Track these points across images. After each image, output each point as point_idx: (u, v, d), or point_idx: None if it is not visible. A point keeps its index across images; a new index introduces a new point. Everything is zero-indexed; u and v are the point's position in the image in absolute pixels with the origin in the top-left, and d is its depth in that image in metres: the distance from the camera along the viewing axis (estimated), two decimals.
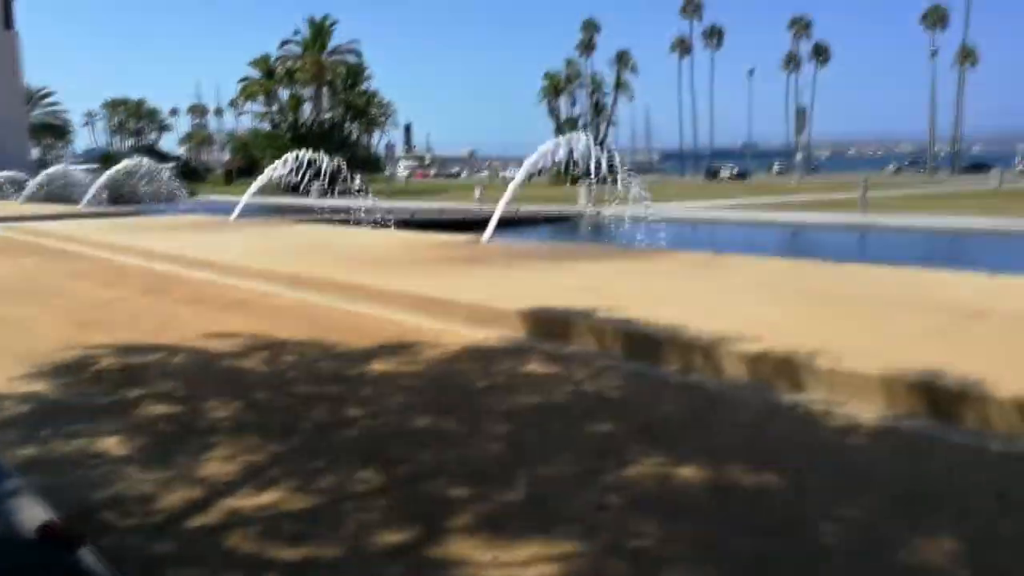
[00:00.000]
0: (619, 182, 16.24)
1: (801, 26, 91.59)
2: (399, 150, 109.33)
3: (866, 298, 7.43)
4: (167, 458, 4.07)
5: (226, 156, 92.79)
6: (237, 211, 20.87)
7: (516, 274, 9.77)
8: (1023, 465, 3.80)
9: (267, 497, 3.56)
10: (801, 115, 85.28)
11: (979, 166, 77.50)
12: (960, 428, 4.23)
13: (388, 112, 77.44)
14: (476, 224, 15.60)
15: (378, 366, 5.81)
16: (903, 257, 15.46)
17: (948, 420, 4.31)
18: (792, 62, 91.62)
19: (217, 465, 3.95)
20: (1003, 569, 2.89)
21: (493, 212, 14.81)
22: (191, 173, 70.47)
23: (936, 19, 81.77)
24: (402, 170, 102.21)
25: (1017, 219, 21.44)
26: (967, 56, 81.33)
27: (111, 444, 4.30)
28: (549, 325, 6.65)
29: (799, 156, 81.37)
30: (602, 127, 71.72)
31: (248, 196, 21.70)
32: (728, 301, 7.51)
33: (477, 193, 40.81)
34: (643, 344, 5.93)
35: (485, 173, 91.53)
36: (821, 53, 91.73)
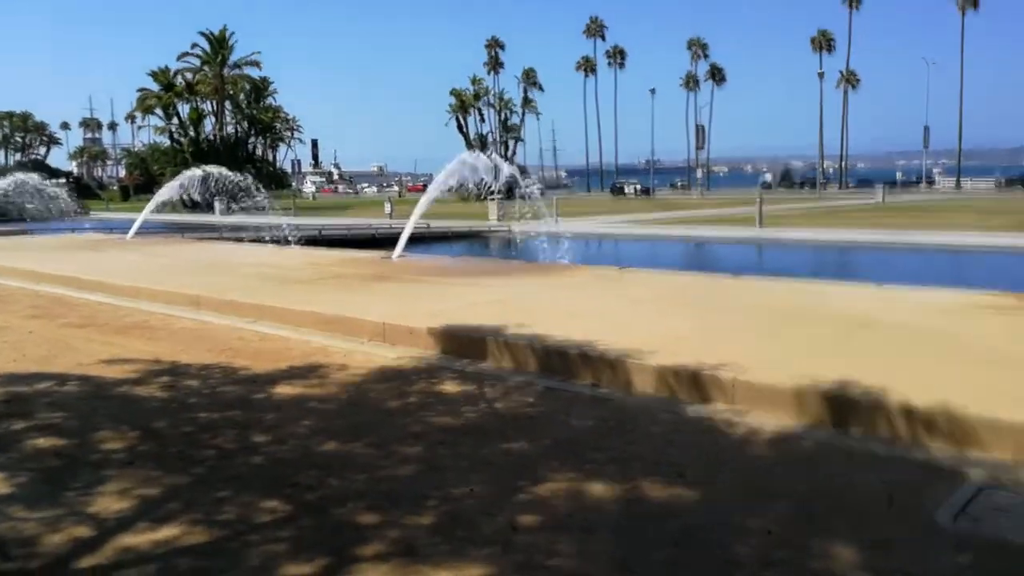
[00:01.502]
0: (527, 198, 16.42)
1: (699, 47, 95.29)
2: (306, 166, 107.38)
3: (764, 310, 7.72)
4: (54, 495, 3.81)
5: (122, 172, 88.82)
6: (134, 229, 19.98)
7: (427, 291, 9.69)
8: (907, 467, 4.00)
9: (164, 532, 3.38)
10: (700, 132, 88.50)
11: (864, 182, 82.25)
12: (852, 434, 4.43)
13: (294, 127, 75.94)
14: (386, 241, 15.45)
15: (285, 389, 5.64)
16: (797, 269, 16.20)
17: (842, 427, 4.51)
18: (691, 82, 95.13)
19: (109, 500, 3.73)
20: (904, 571, 3.03)
21: (403, 228, 14.69)
22: (84, 189, 67.07)
23: (823, 43, 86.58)
24: (309, 186, 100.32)
25: (898, 232, 22.81)
26: (849, 79, 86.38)
27: None
28: (461, 343, 6.61)
29: (699, 173, 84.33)
30: (510, 144, 72.38)
31: (146, 213, 20.82)
32: (635, 314, 7.67)
33: (387, 209, 40.44)
34: (555, 360, 5.97)
35: (395, 189, 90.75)
36: (717, 74, 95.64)
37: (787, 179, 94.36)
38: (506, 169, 16.14)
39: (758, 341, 6.27)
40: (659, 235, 26.03)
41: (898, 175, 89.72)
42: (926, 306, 7.66)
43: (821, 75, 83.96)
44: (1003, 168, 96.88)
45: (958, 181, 79.92)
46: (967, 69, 78.23)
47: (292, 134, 79.19)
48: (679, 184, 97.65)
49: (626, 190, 79.03)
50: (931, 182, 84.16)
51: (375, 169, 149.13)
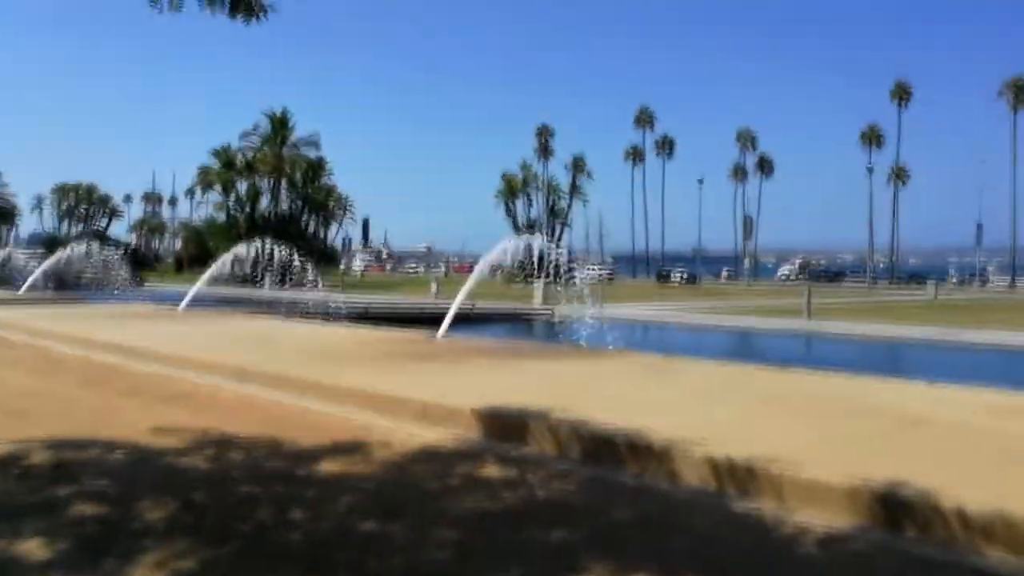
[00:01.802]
0: (576, 282, 16.50)
1: (747, 139, 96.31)
2: (356, 244, 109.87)
3: (813, 403, 7.54)
4: (92, 563, 3.83)
5: (178, 245, 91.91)
6: (186, 301, 20.52)
7: (470, 372, 9.71)
8: (962, 573, 3.80)
9: None
10: (748, 223, 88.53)
11: (916, 277, 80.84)
12: (906, 537, 4.24)
13: (346, 206, 78.06)
14: (431, 320, 15.59)
15: (326, 466, 5.64)
16: (846, 363, 15.85)
17: (895, 529, 4.32)
18: (739, 172, 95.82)
19: (145, 571, 3.73)
20: None
21: (448, 308, 14.85)
22: (140, 261, 69.47)
23: (872, 138, 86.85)
24: (358, 263, 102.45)
25: (951, 328, 22.25)
26: (900, 174, 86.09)
27: (31, 547, 4.04)
28: (503, 425, 6.57)
29: (746, 262, 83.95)
30: (557, 229, 73.22)
31: (199, 286, 21.41)
32: (682, 403, 7.56)
33: (433, 288, 40.98)
34: (598, 447, 5.89)
35: (442, 269, 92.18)
36: (766, 165, 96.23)
37: (804, 272, 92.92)
38: (552, 253, 16.33)
39: (807, 435, 6.11)
40: (705, 324, 25.81)
41: (951, 271, 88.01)
42: (978, 406, 7.41)
43: (871, 170, 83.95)
44: None
45: (1013, 279, 78.03)
46: (1021, 167, 77.08)
47: (344, 212, 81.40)
48: (726, 273, 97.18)
49: (672, 277, 78.82)
50: (984, 280, 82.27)
51: (423, 248, 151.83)
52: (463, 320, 16.60)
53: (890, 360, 18.63)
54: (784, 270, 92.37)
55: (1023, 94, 78.40)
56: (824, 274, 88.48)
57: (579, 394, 7.89)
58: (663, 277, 79.74)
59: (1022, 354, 18.42)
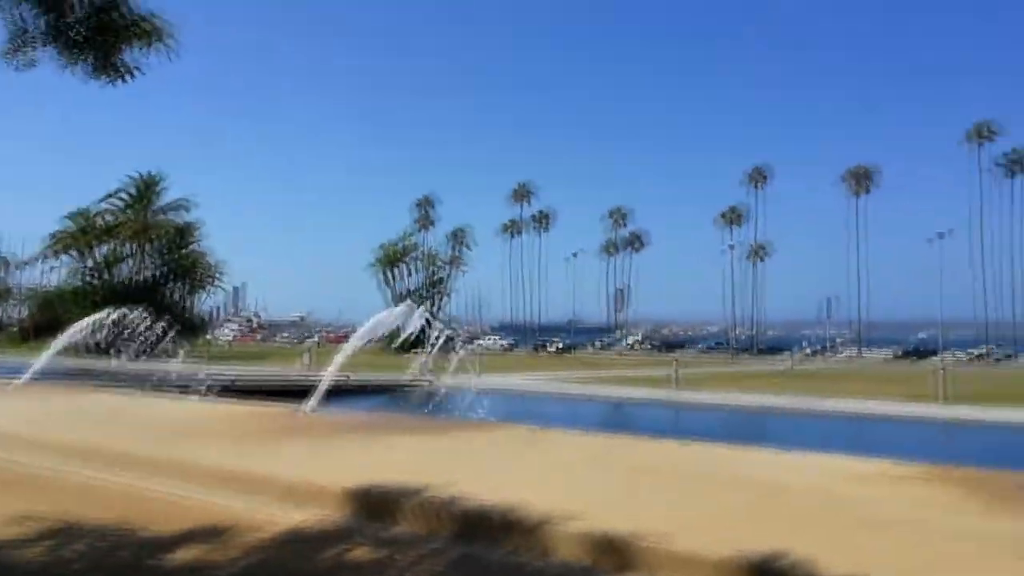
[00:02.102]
0: (451, 353, 16.45)
1: (619, 216, 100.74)
2: (226, 312, 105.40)
3: (681, 473, 7.75)
4: None
5: (25, 313, 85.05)
6: (29, 374, 18.91)
7: (341, 447, 9.38)
8: None
9: None
10: (620, 296, 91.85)
11: (774, 348, 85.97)
12: None
13: (215, 273, 75.16)
14: (302, 392, 15.03)
15: (179, 555, 5.23)
16: (710, 432, 16.45)
17: None
18: (611, 247, 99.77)
19: None
20: None
21: (321, 379, 14.39)
22: None
23: (732, 218, 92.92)
24: (226, 333, 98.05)
25: (807, 397, 23.64)
26: (758, 251, 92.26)
27: None
28: (374, 504, 6.35)
29: (618, 333, 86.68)
30: (437, 299, 73.18)
31: (47, 357, 19.83)
32: (556, 476, 7.57)
33: (305, 359, 39.71)
34: (472, 524, 5.78)
35: (315, 339, 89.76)
36: (636, 240, 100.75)
37: (649, 340, 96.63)
38: (431, 324, 16.26)
39: (678, 507, 6.24)
40: (579, 393, 26.22)
41: (804, 343, 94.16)
42: (834, 473, 7.83)
43: (732, 247, 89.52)
44: (901, 339, 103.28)
45: (859, 350, 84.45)
46: (874, 246, 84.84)
47: (214, 280, 78.22)
48: (599, 344, 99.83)
49: (548, 347, 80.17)
50: (835, 351, 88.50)
51: (298, 317, 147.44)
52: (337, 392, 16.11)
53: (752, 428, 19.51)
54: (628, 340, 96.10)
55: (863, 181, 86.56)
56: (667, 344, 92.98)
57: (454, 469, 7.76)
58: (540, 347, 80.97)
59: (870, 421, 19.74)
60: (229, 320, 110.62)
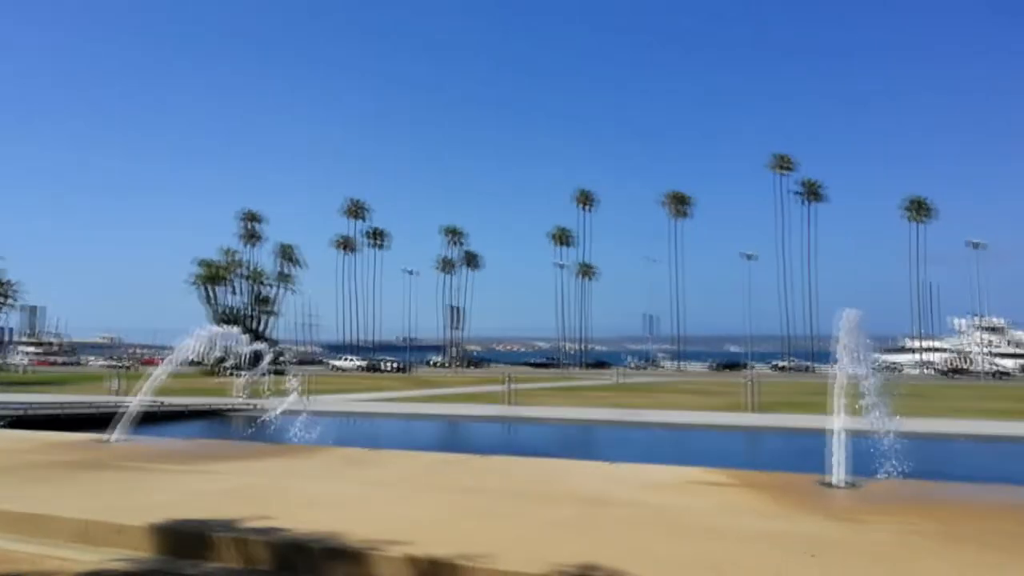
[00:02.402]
0: (277, 374, 15.74)
1: (454, 234, 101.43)
2: (19, 334, 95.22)
3: (510, 491, 7.79)
4: None
5: None
6: None
7: (148, 480, 8.64)
8: None
9: None
10: (455, 313, 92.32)
11: (601, 363, 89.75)
12: None
13: (8, 291, 68.03)
14: (108, 420, 13.78)
15: None
16: (542, 447, 16.82)
17: None
18: (447, 265, 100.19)
19: None
20: None
21: (129, 406, 13.25)
22: None
23: (562, 238, 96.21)
24: (20, 358, 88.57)
25: (631, 410, 24.75)
26: (587, 270, 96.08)
27: None
28: (183, 540, 5.86)
29: (454, 351, 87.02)
30: (263, 318, 70.05)
31: None
32: (383, 500, 7.37)
33: (114, 384, 36.70)
34: (291, 554, 5.47)
35: (126, 361, 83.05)
36: (472, 259, 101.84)
37: (446, 355, 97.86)
38: (254, 344, 15.48)
39: (503, 524, 6.24)
40: (412, 413, 25.94)
41: (629, 358, 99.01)
42: (653, 483, 8.18)
43: (562, 266, 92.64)
44: (715, 353, 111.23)
45: (679, 364, 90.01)
46: (690, 265, 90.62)
47: (6, 299, 70.70)
48: (434, 362, 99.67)
49: (382, 367, 79.00)
50: (656, 364, 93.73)
51: (106, 339, 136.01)
52: (149, 419, 14.95)
53: (581, 441, 20.13)
54: (435, 358, 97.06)
55: (681, 205, 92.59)
56: (472, 359, 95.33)
57: (275, 497, 7.37)
58: (374, 366, 79.65)
59: (689, 430, 20.95)
60: (23, 343, 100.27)
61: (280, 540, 5.61)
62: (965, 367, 70.98)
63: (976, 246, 75.57)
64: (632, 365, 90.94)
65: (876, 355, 9.36)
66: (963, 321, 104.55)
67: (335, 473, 9.22)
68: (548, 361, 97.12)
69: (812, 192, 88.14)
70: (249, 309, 68.45)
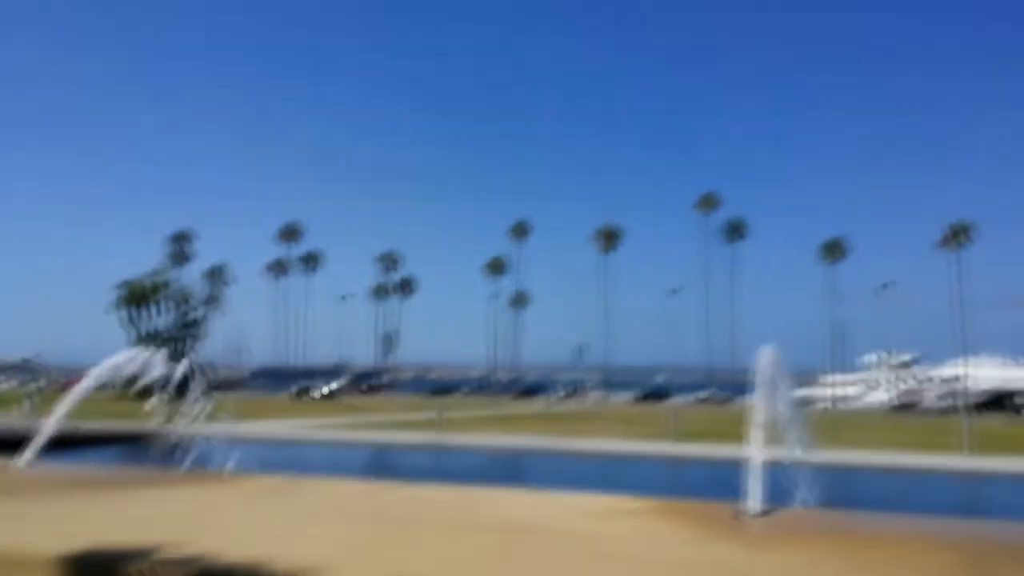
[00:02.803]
0: (202, 399, 15.37)
1: (390, 260, 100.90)
2: None
3: (434, 519, 7.81)
4: None
5: None
6: None
7: (59, 507, 8.33)
8: None
9: None
10: (388, 339, 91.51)
11: (531, 390, 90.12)
12: None
13: None
14: (17, 444, 13.19)
15: None
16: (471, 474, 16.82)
17: None
18: (382, 291, 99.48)
19: None
20: None
21: (42, 429, 12.72)
22: None
23: (496, 267, 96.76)
24: None
25: (559, 437, 24.95)
26: (520, 299, 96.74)
27: None
28: (93, 571, 5.69)
29: (386, 377, 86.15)
30: (189, 341, 68.04)
31: None
32: (305, 528, 7.29)
33: (26, 406, 35.10)
34: None
35: (42, 382, 79.42)
36: (407, 285, 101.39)
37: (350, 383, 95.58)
38: (179, 367, 15.11)
39: (427, 553, 6.27)
40: (342, 440, 25.55)
41: (559, 386, 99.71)
42: (576, 511, 8.32)
43: (496, 296, 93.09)
44: (642, 383, 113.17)
45: (606, 394, 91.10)
46: (622, 297, 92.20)
47: None
48: (366, 388, 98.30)
49: (312, 392, 77.52)
50: (585, 393, 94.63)
51: (21, 360, 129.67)
52: (63, 443, 14.34)
53: (508, 469, 20.19)
54: (333, 384, 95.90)
55: (611, 239, 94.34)
56: (370, 386, 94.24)
57: (193, 526, 7.21)
58: (303, 392, 78.09)
59: (614, 459, 21.23)
60: None
61: (199, 569, 5.51)
62: (916, 402, 73.32)
63: (886, 286, 79.19)
64: (562, 393, 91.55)
65: (792, 389, 9.77)
66: (873, 357, 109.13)
67: (257, 501, 9.06)
68: (480, 388, 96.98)
69: (735, 230, 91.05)
70: (175, 331, 66.47)
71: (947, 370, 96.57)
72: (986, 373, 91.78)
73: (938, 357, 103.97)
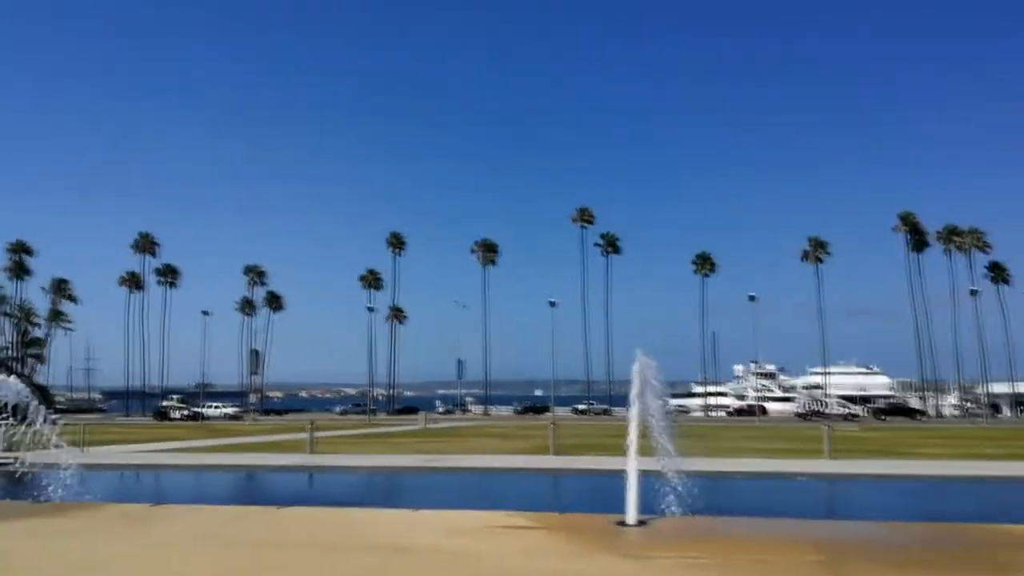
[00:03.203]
0: (48, 423, 14.09)
1: (255, 274, 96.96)
2: None
3: (307, 544, 7.44)
4: None
5: None
6: None
7: None
8: None
9: None
10: (255, 357, 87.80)
11: (409, 408, 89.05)
12: None
13: None
14: None
15: None
16: (345, 497, 16.29)
17: None
18: (247, 306, 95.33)
19: None
20: None
21: None
22: None
23: (372, 281, 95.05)
24: None
25: (436, 456, 24.65)
26: (397, 314, 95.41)
27: None
28: None
29: (253, 397, 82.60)
30: (30, 361, 62.80)
31: None
32: (166, 559, 6.77)
33: None
34: None
35: None
36: (275, 301, 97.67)
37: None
38: (16, 388, 13.78)
39: None
40: (205, 464, 24.16)
41: (438, 403, 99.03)
42: (455, 529, 8.16)
43: (371, 310, 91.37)
44: (522, 396, 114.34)
45: (486, 408, 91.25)
46: (501, 311, 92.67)
47: None
48: (230, 410, 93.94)
49: (172, 415, 73.31)
50: (465, 409, 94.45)
51: None
52: None
53: (384, 489, 19.73)
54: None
55: (489, 252, 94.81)
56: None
57: (39, 561, 6.54)
58: (162, 414, 73.78)
59: (493, 474, 21.16)
60: None
61: None
62: (821, 410, 77.73)
63: (753, 299, 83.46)
64: (441, 410, 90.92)
65: (666, 399, 10.00)
66: (741, 367, 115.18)
67: (113, 532, 8.35)
68: (355, 408, 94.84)
69: (611, 244, 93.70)
70: (14, 351, 61.21)
71: (808, 378, 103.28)
72: (842, 380, 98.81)
73: (799, 365, 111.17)
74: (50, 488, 14.12)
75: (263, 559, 6.75)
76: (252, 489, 20.64)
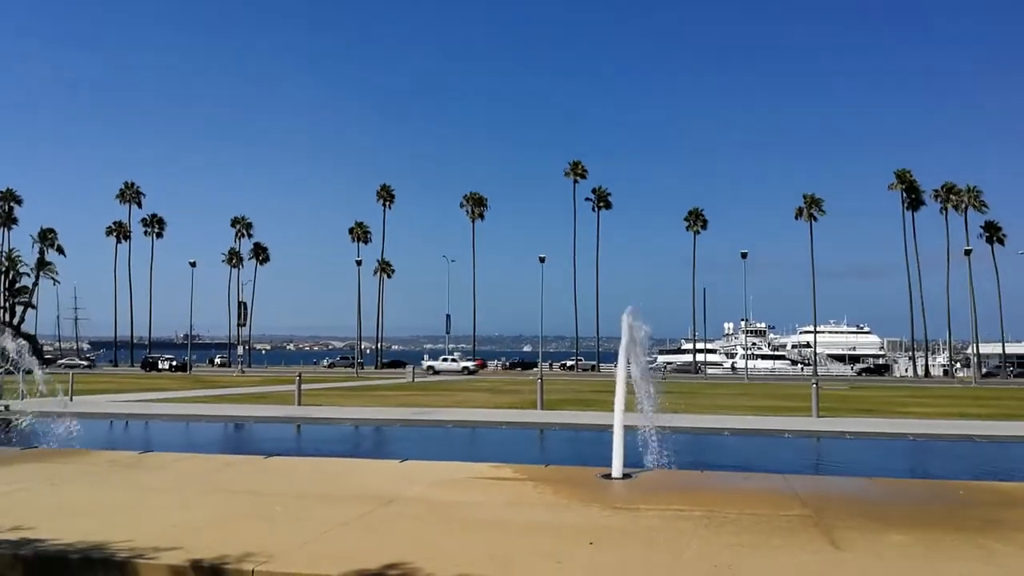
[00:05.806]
0: (38, 372, 14.13)
1: (243, 225, 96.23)
2: None
3: (295, 492, 7.53)
4: None
5: None
6: None
7: None
8: None
9: None
10: (242, 310, 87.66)
11: (397, 363, 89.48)
12: None
13: None
14: None
15: None
16: (333, 447, 16.43)
17: None
18: (234, 258, 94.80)
19: None
20: None
21: None
22: None
23: (360, 234, 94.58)
24: None
25: (423, 408, 24.85)
26: (385, 268, 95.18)
27: None
28: None
29: (240, 349, 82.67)
30: (18, 310, 62.45)
31: None
32: (155, 505, 6.84)
33: None
34: (46, 569, 4.93)
35: None
36: (261, 252, 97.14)
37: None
38: (4, 337, 13.78)
39: (288, 525, 6.02)
40: (193, 414, 24.27)
41: (425, 356, 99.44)
42: (442, 480, 8.27)
43: (359, 263, 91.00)
44: (510, 352, 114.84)
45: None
46: (491, 265, 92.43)
47: None
48: (217, 360, 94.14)
49: (160, 365, 73.40)
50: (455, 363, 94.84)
51: None
52: None
53: (371, 441, 19.90)
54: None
55: (478, 206, 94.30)
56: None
57: (31, 506, 6.61)
58: (150, 365, 73.87)
59: (481, 428, 21.38)
60: None
61: (34, 552, 5.03)
62: (884, 365, 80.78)
63: (744, 256, 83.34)
64: (428, 364, 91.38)
65: (653, 351, 10.08)
66: (731, 325, 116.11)
67: (102, 479, 8.42)
68: (342, 361, 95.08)
69: (602, 199, 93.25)
70: (1, 299, 60.88)
71: (798, 337, 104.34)
72: (832, 339, 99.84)
73: (790, 324, 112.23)
74: (39, 435, 14.18)
75: (250, 506, 6.84)
76: (240, 439, 20.78)
